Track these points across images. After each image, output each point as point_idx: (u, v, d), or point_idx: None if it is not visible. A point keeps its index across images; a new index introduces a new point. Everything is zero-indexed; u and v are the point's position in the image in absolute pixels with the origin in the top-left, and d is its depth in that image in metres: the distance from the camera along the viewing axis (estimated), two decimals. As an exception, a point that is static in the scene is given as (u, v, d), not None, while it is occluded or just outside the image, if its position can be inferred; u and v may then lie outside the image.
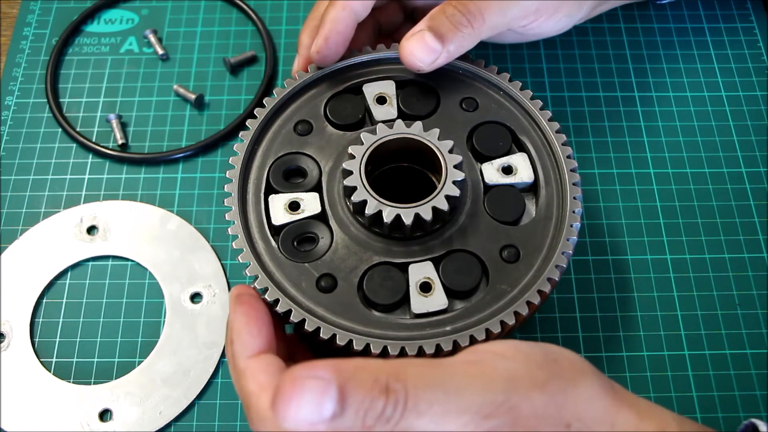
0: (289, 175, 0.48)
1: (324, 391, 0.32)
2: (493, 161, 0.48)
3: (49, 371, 0.51)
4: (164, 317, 0.53)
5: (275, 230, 0.46)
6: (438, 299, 0.44)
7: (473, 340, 0.42)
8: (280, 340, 0.43)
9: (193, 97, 0.62)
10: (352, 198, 0.44)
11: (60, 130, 0.61)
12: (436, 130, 0.46)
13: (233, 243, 0.44)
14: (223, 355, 0.52)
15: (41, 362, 0.52)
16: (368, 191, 0.44)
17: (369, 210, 0.44)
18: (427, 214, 0.44)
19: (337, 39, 0.49)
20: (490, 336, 0.42)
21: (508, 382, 0.34)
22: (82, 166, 0.60)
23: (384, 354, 0.41)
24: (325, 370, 0.32)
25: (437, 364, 0.35)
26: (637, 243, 0.56)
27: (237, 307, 0.40)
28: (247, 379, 0.37)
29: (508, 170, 0.48)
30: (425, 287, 0.44)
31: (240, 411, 0.50)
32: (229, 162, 0.47)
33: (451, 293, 0.44)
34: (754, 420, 0.39)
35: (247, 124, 0.49)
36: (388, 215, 0.44)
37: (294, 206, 0.46)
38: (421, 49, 0.48)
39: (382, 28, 0.58)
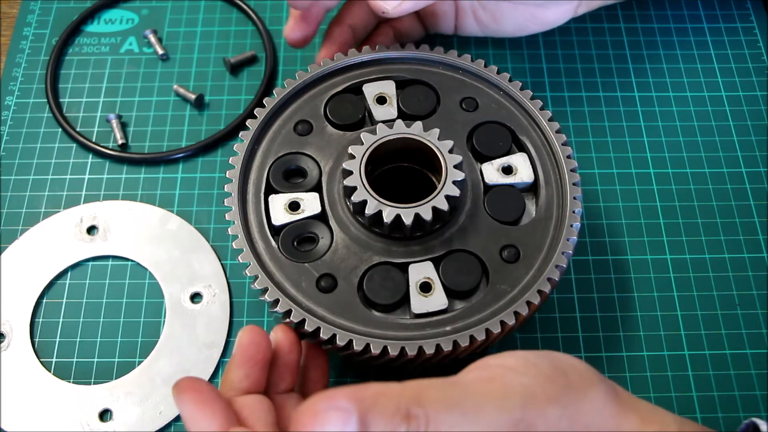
0: (289, 175, 0.48)
1: (345, 422, 0.31)
2: (493, 161, 0.48)
3: (49, 371, 0.51)
4: (164, 317, 0.53)
5: (275, 230, 0.46)
6: (438, 299, 0.44)
7: (473, 340, 0.42)
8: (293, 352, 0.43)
9: (193, 97, 0.62)
10: (352, 198, 0.44)
11: (60, 130, 0.61)
12: (436, 130, 0.46)
13: (233, 243, 0.44)
14: (223, 354, 0.52)
15: (41, 362, 0.52)
16: (368, 191, 0.44)
17: (369, 210, 0.44)
18: (427, 214, 0.44)
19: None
20: (490, 336, 0.42)
21: (523, 398, 0.34)
22: (82, 166, 0.59)
23: (384, 354, 0.41)
24: (345, 399, 0.32)
25: (454, 385, 0.35)
26: (637, 243, 0.56)
27: (181, 397, 0.37)
28: None
29: (508, 170, 0.48)
30: (425, 287, 0.44)
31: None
32: (229, 162, 0.47)
33: (451, 293, 0.44)
34: (754, 419, 0.39)
35: (247, 124, 0.49)
36: (388, 215, 0.44)
37: (294, 206, 0.46)
38: None
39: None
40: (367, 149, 0.46)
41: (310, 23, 0.55)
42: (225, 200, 0.46)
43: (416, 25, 0.59)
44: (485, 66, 0.51)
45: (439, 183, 0.45)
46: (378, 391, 0.33)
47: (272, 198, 0.47)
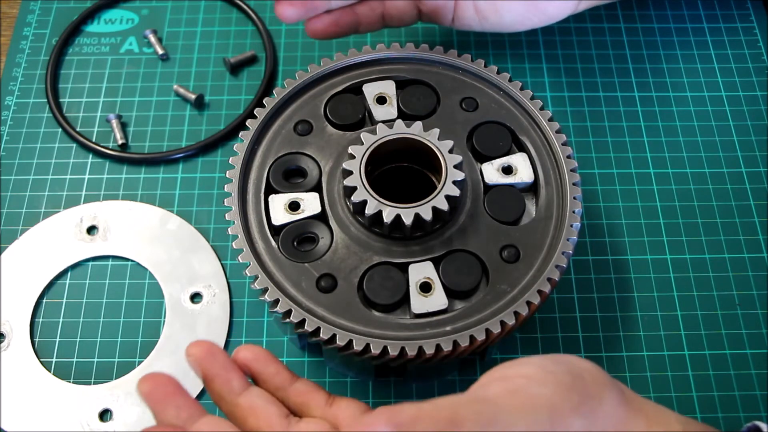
0: (289, 175, 0.48)
1: None
2: (493, 161, 0.48)
3: (49, 371, 0.51)
4: (164, 317, 0.53)
5: (275, 230, 0.46)
6: (438, 299, 0.44)
7: (473, 340, 0.42)
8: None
9: (193, 97, 0.62)
10: (352, 198, 0.44)
11: (60, 130, 0.61)
12: (436, 130, 0.46)
13: (233, 243, 0.44)
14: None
15: (41, 362, 0.52)
16: (368, 191, 0.44)
17: (369, 210, 0.44)
18: (427, 214, 0.44)
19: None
20: (490, 336, 0.42)
21: (550, 410, 0.34)
22: (82, 166, 0.59)
23: (384, 354, 0.41)
24: (385, 425, 0.32)
25: (484, 402, 0.35)
26: (637, 243, 0.56)
27: (204, 356, 0.38)
28: (247, 415, 0.37)
29: (508, 170, 0.48)
30: (425, 287, 0.44)
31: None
32: (229, 162, 0.47)
33: (451, 293, 0.44)
34: (756, 422, 0.39)
35: (247, 124, 0.49)
36: (388, 215, 0.44)
37: (294, 206, 0.46)
38: None
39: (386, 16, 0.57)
40: (367, 149, 0.46)
41: (303, 4, 0.53)
42: (225, 200, 0.46)
43: (411, 8, 0.57)
44: (485, 66, 0.51)
45: (439, 183, 0.45)
46: (414, 415, 0.33)
47: (272, 198, 0.47)
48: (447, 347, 0.41)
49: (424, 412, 0.33)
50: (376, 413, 0.33)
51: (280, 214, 0.46)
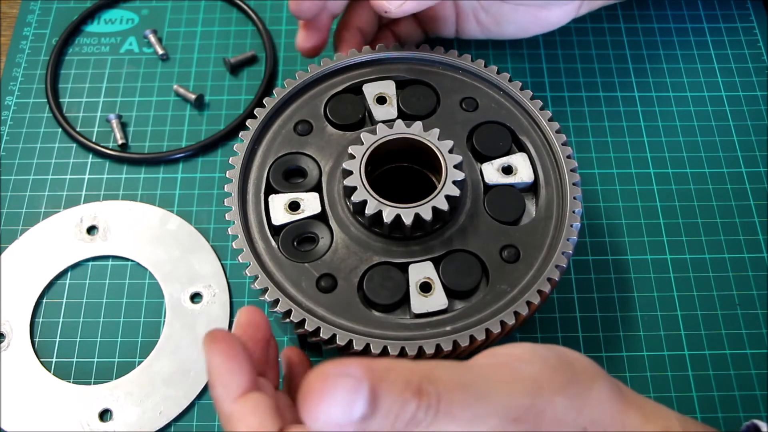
0: (289, 175, 0.48)
1: (356, 391, 0.30)
2: (493, 161, 0.48)
3: (49, 371, 0.51)
4: (164, 317, 0.53)
5: (275, 230, 0.46)
6: (438, 299, 0.44)
7: (473, 340, 0.42)
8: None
9: (193, 97, 0.62)
10: (352, 198, 0.44)
11: (60, 130, 0.61)
12: (436, 130, 0.46)
13: (233, 243, 0.44)
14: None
15: (41, 362, 0.52)
16: (368, 191, 0.44)
17: (369, 210, 0.44)
18: (427, 214, 0.44)
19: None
20: (490, 336, 0.42)
21: (532, 386, 0.34)
22: (82, 166, 0.59)
23: (384, 354, 0.41)
24: (357, 368, 0.31)
25: (465, 367, 0.34)
26: (637, 243, 0.56)
27: (212, 347, 0.36)
28: (235, 424, 0.35)
29: (508, 170, 0.48)
30: (425, 287, 0.44)
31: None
32: (229, 162, 0.47)
33: (451, 293, 0.44)
34: (755, 421, 0.39)
35: (247, 124, 0.49)
36: (388, 215, 0.44)
37: (294, 206, 0.46)
38: None
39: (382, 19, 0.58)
40: (367, 149, 0.46)
41: (320, 31, 0.54)
42: (225, 200, 0.46)
43: (415, 29, 0.59)
44: (485, 66, 0.51)
45: (439, 183, 0.45)
46: (390, 365, 0.32)
47: (272, 198, 0.47)
48: (447, 347, 0.41)
49: (401, 364, 0.33)
50: (355, 358, 0.32)
51: (280, 214, 0.46)
